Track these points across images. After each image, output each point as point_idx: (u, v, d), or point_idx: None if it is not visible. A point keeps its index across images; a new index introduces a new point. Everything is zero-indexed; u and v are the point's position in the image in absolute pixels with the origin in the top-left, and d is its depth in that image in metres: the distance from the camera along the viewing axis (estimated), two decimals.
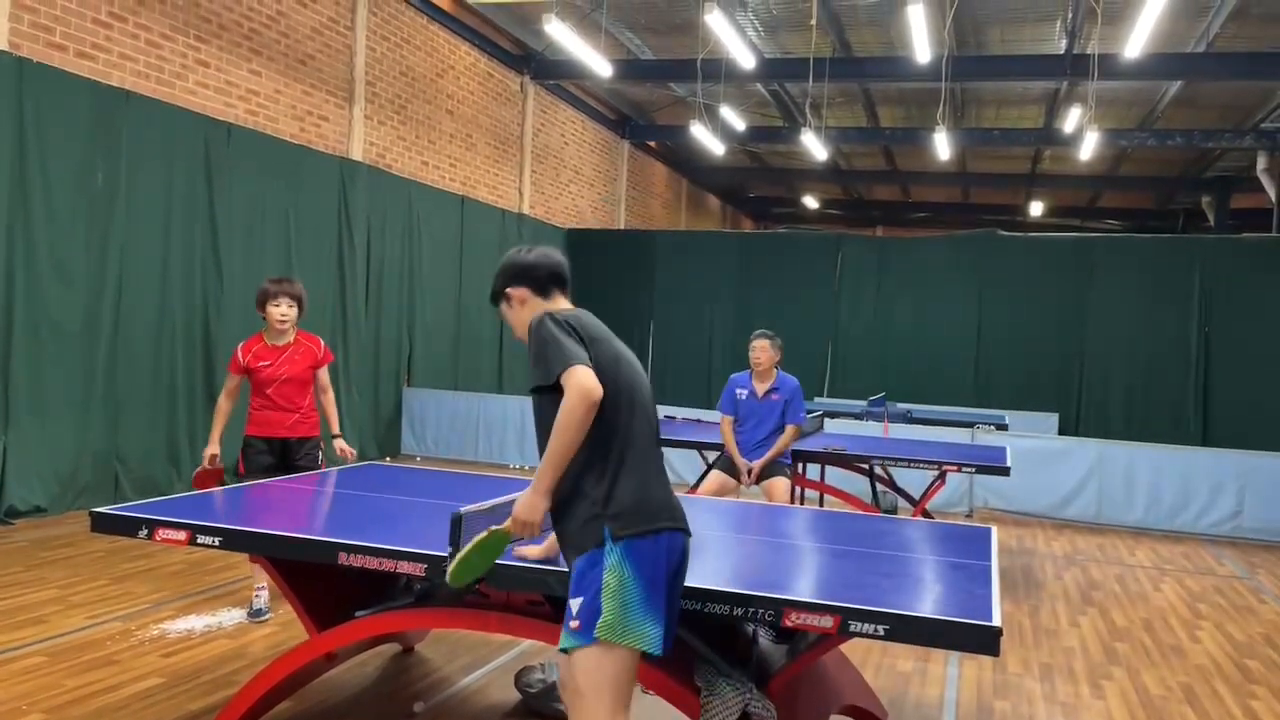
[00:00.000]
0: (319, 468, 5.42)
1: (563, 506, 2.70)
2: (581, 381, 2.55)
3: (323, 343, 5.59)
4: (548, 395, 2.65)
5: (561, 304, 2.91)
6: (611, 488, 2.64)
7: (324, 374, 5.55)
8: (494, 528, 2.74)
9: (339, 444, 5.53)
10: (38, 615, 5.05)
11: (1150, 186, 21.80)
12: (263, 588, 5.25)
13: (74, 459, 7.68)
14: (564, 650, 2.65)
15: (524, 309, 2.90)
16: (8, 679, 4.18)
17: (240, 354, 5.36)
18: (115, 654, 4.55)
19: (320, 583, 3.72)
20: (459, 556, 2.74)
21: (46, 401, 7.47)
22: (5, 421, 7.21)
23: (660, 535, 2.65)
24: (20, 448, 7.28)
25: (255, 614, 5.23)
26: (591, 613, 2.57)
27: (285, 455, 5.37)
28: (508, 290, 2.93)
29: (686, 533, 2.77)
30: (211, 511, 3.75)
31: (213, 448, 5.33)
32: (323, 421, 5.58)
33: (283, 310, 5.32)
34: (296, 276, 9.72)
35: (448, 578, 2.78)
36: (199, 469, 5.31)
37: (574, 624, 2.60)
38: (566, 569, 2.75)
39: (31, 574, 5.83)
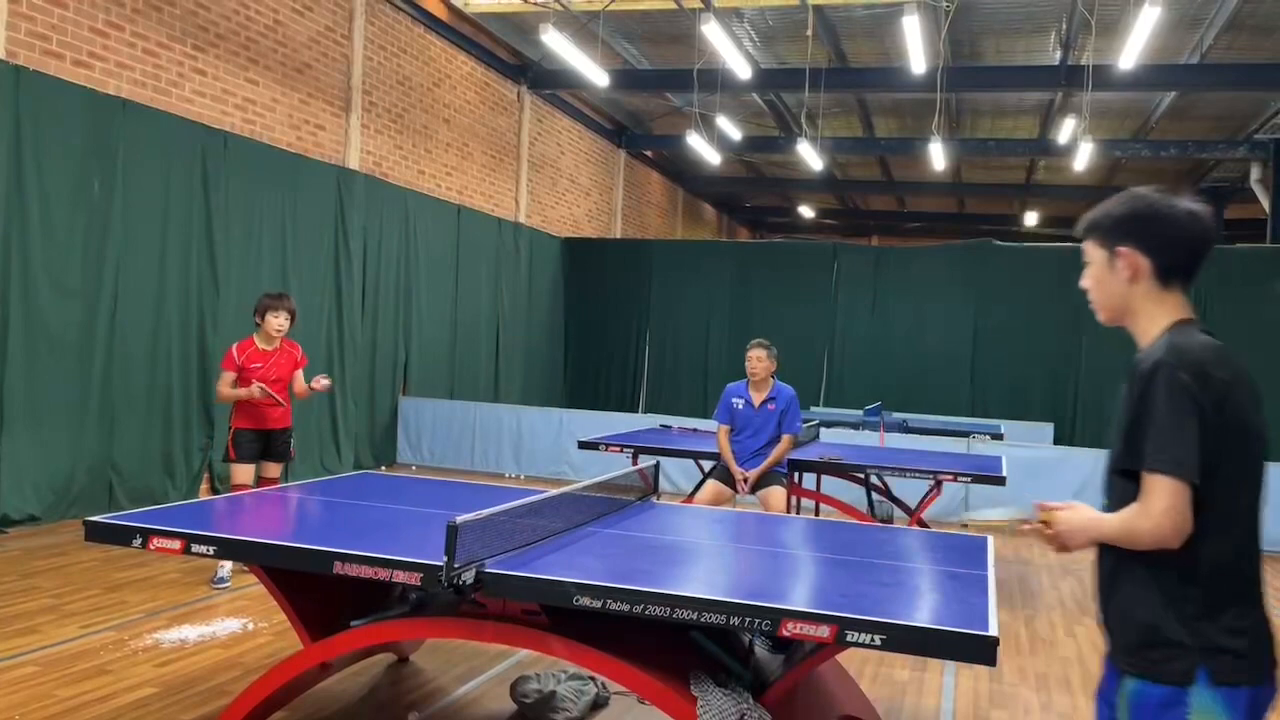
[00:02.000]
0: (291, 455, 6.46)
1: (1122, 584, 2.07)
2: (1168, 512, 1.91)
3: (300, 348, 6.53)
4: (1127, 474, 2.03)
5: (1176, 306, 2.13)
6: (1215, 617, 1.94)
7: (300, 374, 6.47)
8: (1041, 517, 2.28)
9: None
10: (31, 624, 5.03)
11: None
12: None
13: (68, 468, 7.65)
14: None
15: (1131, 285, 2.13)
16: (0, 688, 4.16)
17: (236, 353, 6.24)
18: (108, 664, 4.53)
19: (315, 592, 3.71)
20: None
21: (41, 410, 7.44)
22: (0, 430, 7.19)
23: (1262, 688, 1.96)
24: (15, 456, 7.25)
25: (218, 581, 5.95)
26: None
27: (267, 443, 6.32)
28: (1123, 249, 2.12)
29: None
30: (206, 520, 3.74)
31: (253, 389, 6.07)
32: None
33: (280, 321, 6.27)
34: (292, 285, 9.81)
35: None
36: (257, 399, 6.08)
37: None
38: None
39: (24, 583, 5.80)
